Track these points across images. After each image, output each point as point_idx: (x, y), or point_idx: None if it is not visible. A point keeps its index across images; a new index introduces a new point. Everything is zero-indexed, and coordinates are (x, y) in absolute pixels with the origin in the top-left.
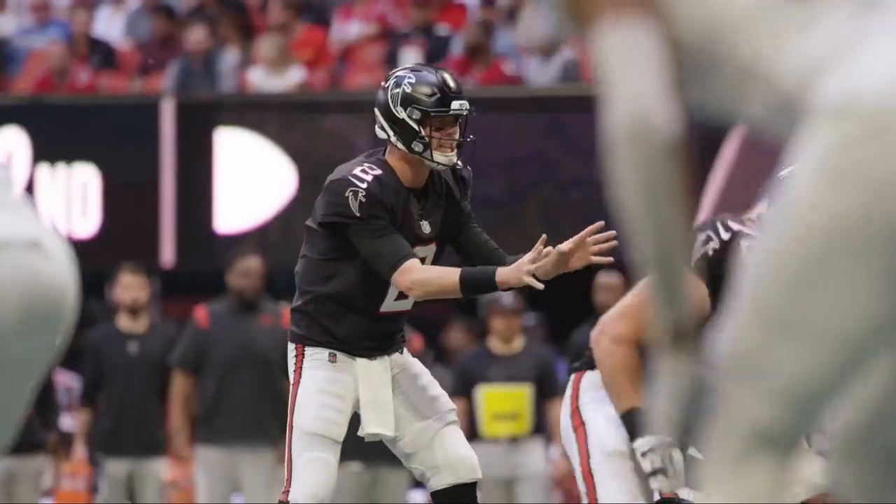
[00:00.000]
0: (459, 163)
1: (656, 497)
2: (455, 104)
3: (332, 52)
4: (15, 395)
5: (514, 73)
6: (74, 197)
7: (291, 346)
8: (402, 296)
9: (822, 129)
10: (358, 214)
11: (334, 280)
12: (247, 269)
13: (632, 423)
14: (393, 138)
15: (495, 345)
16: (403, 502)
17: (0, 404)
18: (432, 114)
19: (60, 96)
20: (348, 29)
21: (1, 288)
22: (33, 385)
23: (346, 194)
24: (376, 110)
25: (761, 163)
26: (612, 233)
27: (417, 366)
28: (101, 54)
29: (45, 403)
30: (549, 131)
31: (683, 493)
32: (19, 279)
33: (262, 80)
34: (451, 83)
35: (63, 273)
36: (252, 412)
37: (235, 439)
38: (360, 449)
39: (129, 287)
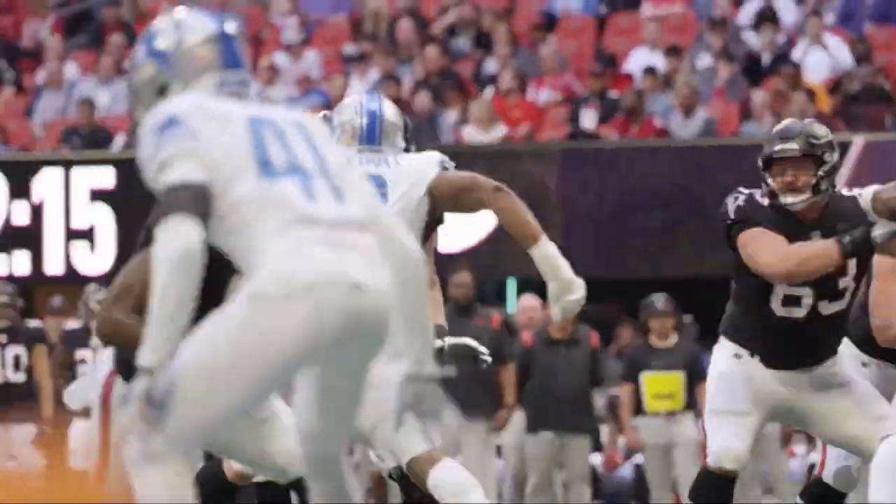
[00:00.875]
0: None
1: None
2: None
3: (530, 113)
4: (356, 387)
5: (662, 126)
6: None
7: None
8: None
9: None
10: None
11: None
12: (460, 281)
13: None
14: None
15: (654, 340)
16: (587, 463)
17: (350, 394)
18: None
19: None
20: (540, 95)
21: (319, 320)
22: (363, 377)
23: None
24: None
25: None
26: None
27: None
28: None
29: None
30: (695, 174)
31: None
32: (336, 313)
33: (474, 134)
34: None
35: (375, 306)
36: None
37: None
38: (550, 419)
39: None
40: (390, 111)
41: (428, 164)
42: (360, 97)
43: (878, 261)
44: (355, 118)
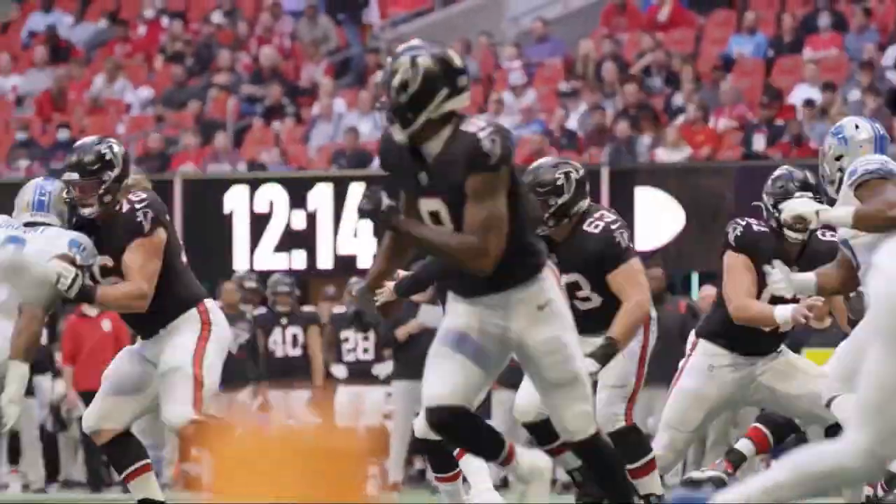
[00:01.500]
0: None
1: None
2: None
3: (711, 137)
4: None
5: (819, 148)
6: None
7: None
8: None
9: None
10: None
11: None
12: (653, 275)
13: None
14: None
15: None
16: None
17: None
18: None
19: None
20: (719, 123)
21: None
22: None
23: None
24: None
25: None
26: None
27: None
28: (567, 139)
29: None
30: None
31: None
32: None
33: (665, 155)
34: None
35: None
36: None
37: None
38: None
39: None
40: (58, 191)
41: (59, 243)
42: (40, 180)
43: (728, 261)
44: (32, 195)
